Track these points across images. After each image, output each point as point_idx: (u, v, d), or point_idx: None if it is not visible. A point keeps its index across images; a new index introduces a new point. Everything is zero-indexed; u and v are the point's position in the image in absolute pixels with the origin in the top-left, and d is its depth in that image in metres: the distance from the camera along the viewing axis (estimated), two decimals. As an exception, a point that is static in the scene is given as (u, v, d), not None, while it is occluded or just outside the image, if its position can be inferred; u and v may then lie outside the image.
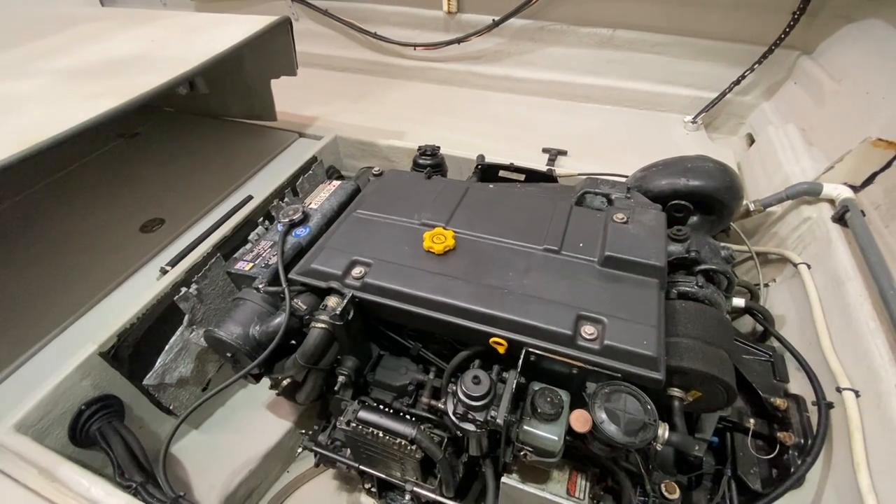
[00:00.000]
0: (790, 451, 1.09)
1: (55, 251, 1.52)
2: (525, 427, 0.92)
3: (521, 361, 0.94)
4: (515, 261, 1.09)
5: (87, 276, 1.42)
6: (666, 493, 1.08)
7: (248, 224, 1.58)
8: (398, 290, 1.04)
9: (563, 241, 1.12)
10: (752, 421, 1.17)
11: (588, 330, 0.93)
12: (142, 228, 1.60)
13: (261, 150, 1.97)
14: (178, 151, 2.02)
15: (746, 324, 1.45)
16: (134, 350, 1.23)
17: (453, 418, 0.95)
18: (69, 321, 1.28)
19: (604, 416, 0.86)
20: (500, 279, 1.04)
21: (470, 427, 0.93)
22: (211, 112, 2.24)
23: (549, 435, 0.90)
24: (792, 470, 1.05)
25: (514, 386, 0.92)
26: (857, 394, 1.00)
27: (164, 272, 1.37)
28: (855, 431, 0.94)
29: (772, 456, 1.12)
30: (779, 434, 1.12)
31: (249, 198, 1.65)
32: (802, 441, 1.08)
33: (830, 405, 1.05)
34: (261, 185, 1.74)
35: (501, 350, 0.98)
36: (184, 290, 1.34)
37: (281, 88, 2.05)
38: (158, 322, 1.29)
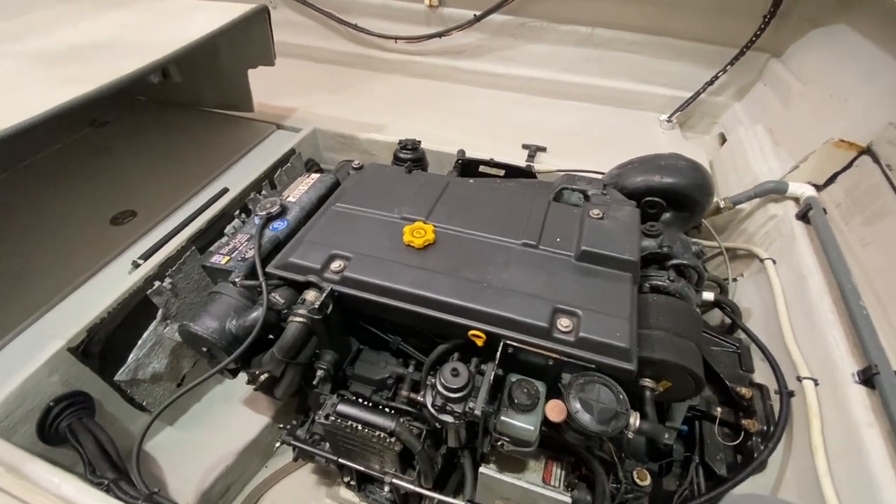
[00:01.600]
0: (754, 438, 1.15)
1: (21, 243, 1.46)
2: (502, 418, 0.93)
3: (498, 354, 0.95)
4: (494, 255, 1.10)
5: (54, 269, 1.37)
6: (637, 480, 1.12)
7: (224, 217, 1.55)
8: (378, 284, 1.04)
9: (540, 235, 1.14)
10: (719, 409, 1.22)
11: (564, 322, 0.95)
12: (112, 221, 1.56)
13: (237, 142, 1.93)
14: (150, 141, 1.96)
15: (715, 317, 1.51)
16: (105, 345, 1.20)
17: (432, 410, 0.96)
18: (36, 316, 1.23)
19: (578, 405, 0.88)
20: (479, 273, 1.06)
21: (448, 419, 0.95)
22: (185, 102, 2.18)
23: (525, 425, 0.92)
24: (755, 455, 1.11)
25: (491, 378, 0.94)
26: (815, 382, 1.05)
27: (136, 265, 1.33)
28: (813, 418, 0.99)
29: (737, 443, 1.17)
30: (744, 421, 1.17)
31: (225, 190, 1.62)
32: (765, 428, 1.13)
33: (791, 393, 1.10)
34: (237, 178, 1.70)
35: (480, 343, 1.00)
36: (157, 283, 1.31)
37: (258, 79, 2.01)
38: (131, 317, 1.26)
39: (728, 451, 1.21)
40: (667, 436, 0.96)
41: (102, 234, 1.50)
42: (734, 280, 1.52)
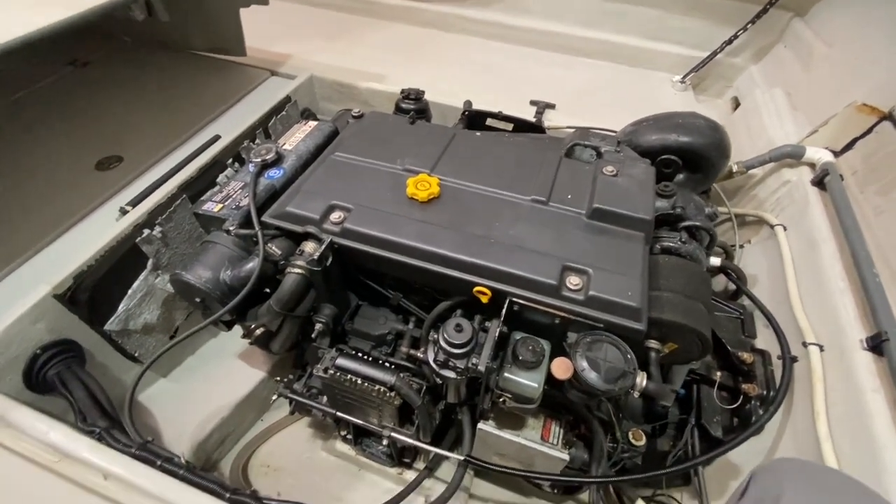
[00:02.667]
0: (753, 402, 1.15)
1: (1, 187, 1.39)
2: (506, 374, 0.92)
3: (504, 311, 0.92)
4: (502, 210, 1.06)
5: (37, 214, 1.30)
6: (633, 440, 1.13)
7: (216, 165, 1.47)
8: (380, 237, 0.99)
9: (551, 192, 1.09)
10: (718, 374, 1.22)
11: (573, 281, 0.92)
12: (97, 166, 1.48)
13: (229, 88, 1.82)
14: (136, 85, 1.84)
15: (719, 282, 1.49)
16: (93, 294, 1.15)
17: (434, 366, 0.94)
18: (19, 261, 1.17)
19: (585, 364, 0.86)
20: (485, 228, 1.01)
21: (450, 374, 0.93)
22: (172, 43, 2.04)
23: (529, 382, 0.90)
24: (753, 419, 1.11)
25: (496, 334, 0.91)
26: (821, 348, 1.04)
27: (124, 212, 1.27)
28: (817, 383, 0.99)
29: (735, 406, 1.18)
30: (743, 386, 1.17)
31: (217, 137, 1.53)
32: (765, 392, 1.13)
33: (795, 359, 1.09)
34: (229, 125, 1.61)
35: (485, 300, 0.96)
36: (147, 231, 1.25)
37: (251, 21, 1.88)
38: (119, 265, 1.20)
39: (725, 414, 1.21)
40: (672, 396, 0.96)
41: (87, 179, 1.43)
42: (741, 247, 1.49)
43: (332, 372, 1.06)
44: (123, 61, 1.97)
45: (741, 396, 1.17)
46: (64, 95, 1.77)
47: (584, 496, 1.43)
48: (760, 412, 1.11)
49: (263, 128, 1.63)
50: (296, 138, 1.32)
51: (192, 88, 1.82)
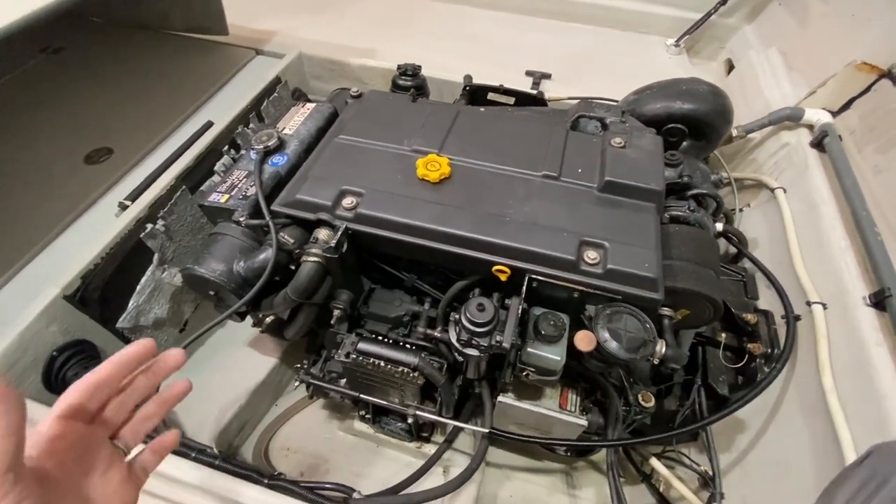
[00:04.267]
0: (758, 360, 1.20)
1: (-14, 186, 1.33)
2: (528, 349, 0.94)
3: (524, 288, 0.94)
4: (514, 188, 1.05)
5: (30, 214, 1.26)
6: (643, 402, 1.18)
7: (212, 153, 1.43)
8: (395, 221, 0.99)
9: (561, 166, 1.09)
10: (723, 335, 1.27)
11: (591, 255, 0.93)
12: (87, 159, 1.42)
13: (214, 70, 1.74)
14: (115, 70, 1.76)
15: (720, 246, 1.52)
16: (103, 292, 1.14)
17: (457, 345, 0.95)
18: (21, 263, 1.14)
19: (607, 335, 0.89)
20: (500, 207, 1.01)
21: (474, 352, 0.95)
22: (147, 23, 1.93)
23: (552, 355, 0.93)
24: (758, 376, 1.16)
25: (518, 311, 0.93)
26: (824, 306, 1.08)
27: (123, 207, 1.23)
28: (821, 339, 1.03)
29: (740, 365, 1.23)
30: (748, 345, 1.22)
31: (210, 124, 1.48)
32: (769, 351, 1.18)
33: (798, 317, 1.14)
34: (219, 110, 1.56)
35: (503, 278, 0.98)
36: (150, 226, 1.22)
37: (230, -3, 1.79)
38: (126, 262, 1.18)
39: (730, 373, 1.27)
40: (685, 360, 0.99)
41: (77, 173, 1.37)
42: (740, 210, 1.52)
43: (354, 356, 1.07)
44: (99, 45, 1.87)
45: (746, 356, 1.23)
46: (39, 85, 1.68)
47: (595, 457, 1.50)
48: (766, 369, 1.16)
49: (256, 111, 1.58)
50: (295, 122, 1.28)
51: (174, 72, 1.74)
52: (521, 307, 0.93)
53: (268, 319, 1.14)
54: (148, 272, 1.25)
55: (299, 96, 1.82)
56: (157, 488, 0.84)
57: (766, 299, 1.28)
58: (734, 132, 1.49)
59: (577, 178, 1.07)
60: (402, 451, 1.50)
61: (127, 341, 1.24)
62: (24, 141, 1.47)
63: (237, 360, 1.53)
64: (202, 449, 0.94)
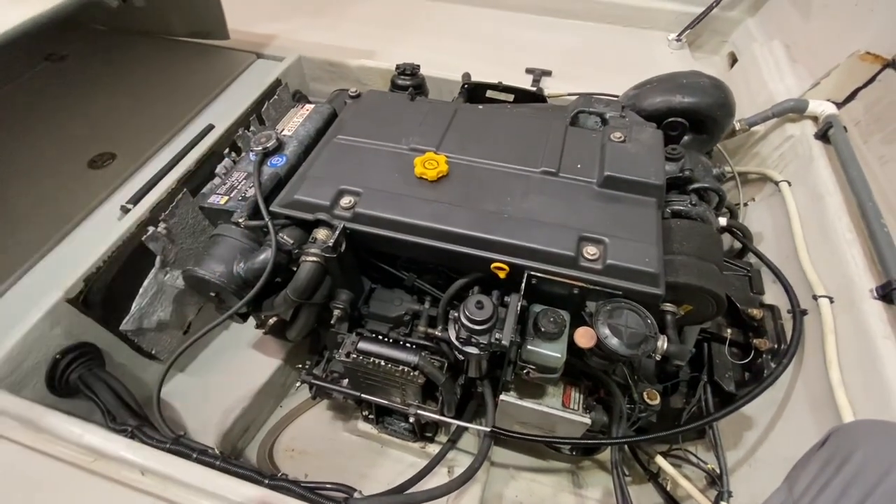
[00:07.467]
0: (764, 356, 1.18)
1: (-8, 192, 1.35)
2: (529, 347, 0.93)
3: (523, 285, 0.93)
4: (513, 184, 1.05)
5: (35, 218, 1.27)
6: (648, 400, 1.16)
7: (213, 156, 1.44)
8: (393, 220, 0.98)
9: (560, 162, 1.08)
10: (729, 331, 1.25)
11: (590, 251, 0.93)
12: (90, 164, 1.44)
13: (215, 74, 1.76)
14: (118, 76, 1.78)
15: (725, 241, 1.50)
16: (106, 295, 1.14)
17: (456, 343, 0.95)
18: (25, 267, 1.16)
19: (607, 331, 0.88)
20: (498, 204, 1.01)
21: (473, 350, 0.94)
22: (150, 30, 1.95)
23: (552, 353, 0.92)
24: (765, 372, 1.14)
25: (518, 308, 0.92)
26: (831, 300, 1.06)
27: (125, 211, 1.24)
28: (828, 333, 1.01)
29: (746, 361, 1.21)
30: (754, 341, 1.20)
31: (211, 127, 1.49)
32: (776, 346, 1.17)
33: (805, 312, 1.12)
34: (220, 113, 1.57)
35: (502, 275, 0.97)
36: (151, 229, 1.23)
37: (230, 3, 1.80)
38: (128, 264, 1.19)
39: (737, 369, 1.25)
40: (689, 355, 0.98)
41: (81, 178, 1.39)
42: (745, 205, 1.50)
43: (354, 356, 1.07)
44: (102, 52, 1.89)
45: (752, 351, 1.21)
46: (44, 92, 1.71)
47: (602, 456, 1.49)
48: (772, 365, 1.14)
49: (256, 114, 1.59)
50: (294, 123, 1.29)
51: (176, 77, 1.76)
52: (520, 304, 0.93)
53: (270, 321, 1.14)
54: (150, 275, 1.26)
55: (300, 98, 1.83)
56: (158, 489, 0.84)
57: (772, 294, 1.26)
58: (737, 125, 1.47)
59: (576, 174, 1.06)
60: (407, 452, 1.49)
61: (130, 343, 1.25)
62: (29, 146, 1.49)
63: (241, 361, 1.54)
64: (203, 450, 0.94)
